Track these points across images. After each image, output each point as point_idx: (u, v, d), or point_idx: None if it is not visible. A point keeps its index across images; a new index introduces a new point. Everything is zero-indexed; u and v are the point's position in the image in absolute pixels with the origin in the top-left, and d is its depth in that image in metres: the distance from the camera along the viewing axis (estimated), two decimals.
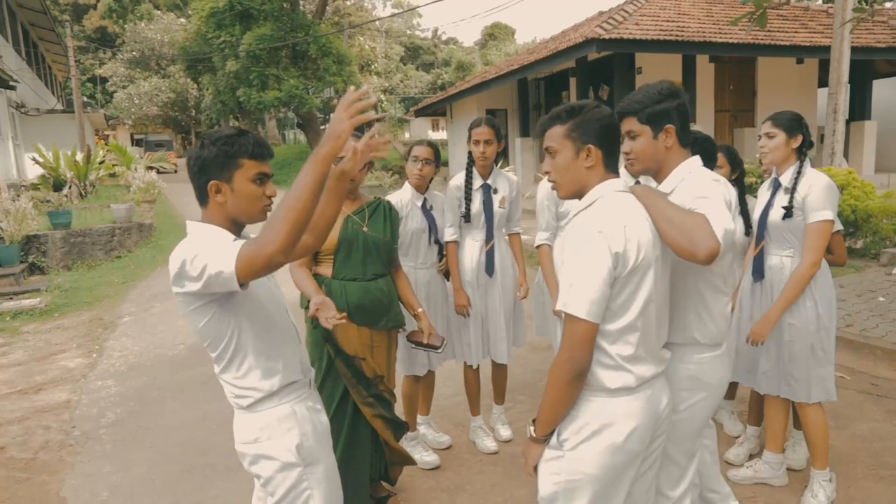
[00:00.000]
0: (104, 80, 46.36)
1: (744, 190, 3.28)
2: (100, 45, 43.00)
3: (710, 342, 1.99)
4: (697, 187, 1.86)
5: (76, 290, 8.63)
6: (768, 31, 12.56)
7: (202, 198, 1.83)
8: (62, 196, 12.12)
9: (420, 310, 3.03)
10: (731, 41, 11.83)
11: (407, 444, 3.55)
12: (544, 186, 3.31)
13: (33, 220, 9.43)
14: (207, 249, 1.63)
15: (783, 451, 3.15)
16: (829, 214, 2.70)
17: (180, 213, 14.94)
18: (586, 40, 11.31)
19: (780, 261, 2.87)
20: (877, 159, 13.65)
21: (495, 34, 55.21)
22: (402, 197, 3.42)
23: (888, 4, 14.19)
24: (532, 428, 1.81)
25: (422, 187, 3.41)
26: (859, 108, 13.30)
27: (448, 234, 3.47)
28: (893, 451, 3.43)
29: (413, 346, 3.01)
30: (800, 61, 14.18)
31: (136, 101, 42.53)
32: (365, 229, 2.82)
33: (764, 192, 2.98)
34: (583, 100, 1.85)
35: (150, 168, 15.43)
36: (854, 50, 11.66)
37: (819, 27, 13.19)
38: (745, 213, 3.18)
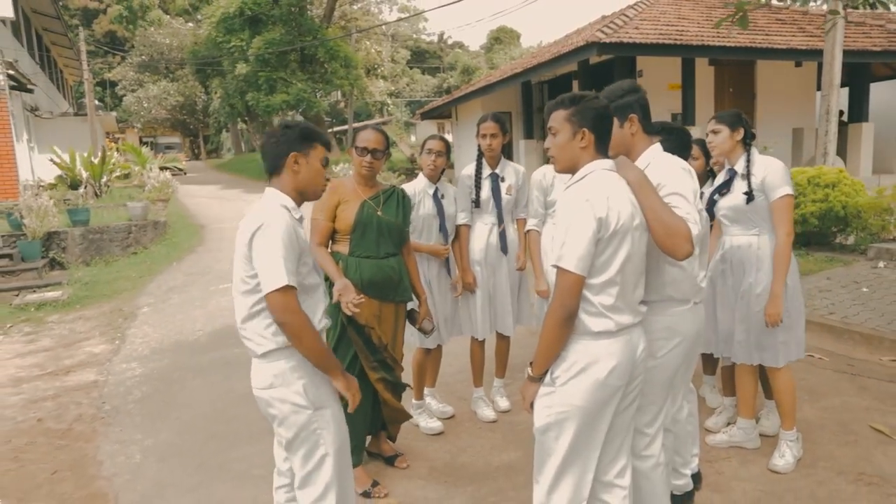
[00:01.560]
0: (113, 83, 46.95)
1: (712, 177, 3.66)
2: (109, 49, 43.55)
3: (682, 298, 2.36)
4: (673, 178, 2.22)
5: (95, 284, 9.00)
6: (766, 34, 12.86)
7: (277, 168, 2.23)
8: (78, 195, 12.50)
9: (423, 296, 3.42)
10: (729, 45, 12.12)
11: (414, 412, 3.89)
12: (534, 178, 3.73)
13: (54, 217, 9.81)
14: (272, 256, 2.07)
15: (755, 417, 3.46)
16: (789, 189, 3.06)
17: (192, 213, 15.32)
18: (587, 44, 11.62)
19: (748, 240, 3.18)
20: (874, 160, 13.90)
21: (501, 38, 55.56)
22: (416, 186, 3.78)
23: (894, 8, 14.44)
24: (529, 369, 2.13)
25: (434, 177, 3.75)
26: (857, 110, 13.56)
27: (460, 219, 3.84)
28: (860, 420, 3.73)
29: (408, 320, 3.38)
30: (798, 64, 14.46)
31: (145, 105, 43.08)
32: (379, 213, 3.18)
33: (720, 181, 3.34)
34: (584, 92, 2.19)
35: (164, 168, 15.81)
36: (850, 53, 11.96)
37: (816, 31, 13.46)
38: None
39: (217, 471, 3.59)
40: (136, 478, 3.58)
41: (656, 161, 2.30)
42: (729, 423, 3.65)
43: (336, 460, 2.23)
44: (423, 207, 3.72)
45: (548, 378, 2.10)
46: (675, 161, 2.31)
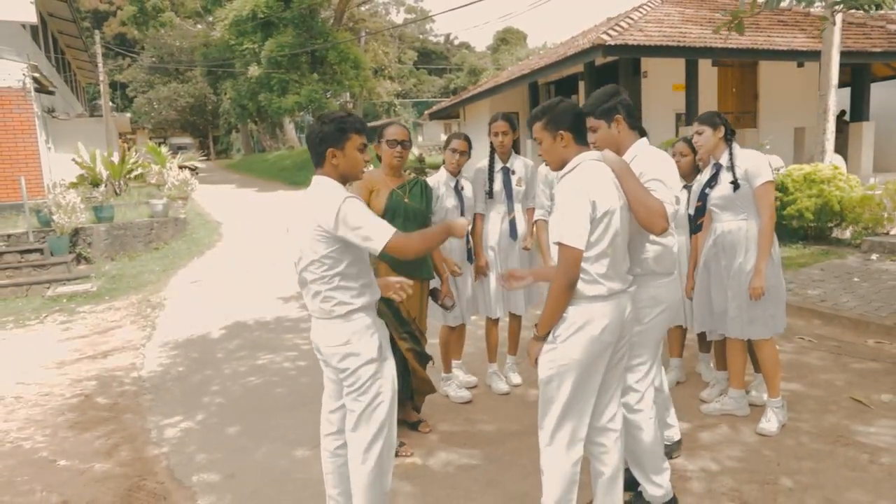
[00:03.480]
0: (124, 85, 47.53)
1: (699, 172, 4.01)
2: (120, 51, 44.12)
3: (664, 271, 2.77)
4: (654, 166, 2.61)
5: (122, 277, 9.41)
6: (768, 35, 13.17)
7: (320, 161, 2.59)
8: (99, 193, 12.93)
9: (444, 275, 3.82)
10: (731, 46, 12.43)
11: (443, 384, 4.29)
12: (540, 172, 4.15)
13: (81, 213, 10.23)
14: (367, 219, 2.43)
15: (745, 388, 3.81)
16: (769, 176, 3.45)
17: (208, 211, 15.76)
18: (593, 46, 11.97)
19: (738, 224, 3.55)
20: (875, 159, 14.18)
21: (507, 39, 55.85)
22: (438, 179, 4.17)
23: None
24: (535, 329, 2.50)
25: (455, 173, 4.13)
26: (858, 109, 13.86)
27: (476, 208, 4.24)
28: (843, 393, 4.08)
29: (430, 297, 3.77)
30: (800, 65, 14.76)
31: (156, 106, 43.65)
32: (406, 200, 3.61)
33: (706, 175, 3.74)
34: (550, 100, 2.56)
35: (183, 167, 16.27)
36: (851, 54, 12.27)
37: (817, 32, 13.76)
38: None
39: (258, 437, 3.97)
40: (184, 444, 3.96)
41: (642, 153, 2.69)
42: (721, 394, 4.01)
43: (390, 405, 2.60)
44: (446, 200, 4.09)
45: (550, 337, 2.45)
46: (658, 153, 2.70)
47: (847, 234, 8.38)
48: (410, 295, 3.53)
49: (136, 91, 45.89)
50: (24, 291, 8.78)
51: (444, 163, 4.17)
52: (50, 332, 6.99)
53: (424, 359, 3.69)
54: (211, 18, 28.69)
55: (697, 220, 3.86)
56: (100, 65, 23.00)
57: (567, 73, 16.10)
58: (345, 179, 2.63)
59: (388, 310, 3.46)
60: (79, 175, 14.12)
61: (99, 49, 23.21)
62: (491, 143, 4.24)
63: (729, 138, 3.59)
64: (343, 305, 2.54)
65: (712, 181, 3.63)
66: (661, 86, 14.16)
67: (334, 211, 2.43)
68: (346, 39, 23.92)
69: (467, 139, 4.14)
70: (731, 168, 3.51)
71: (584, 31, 17.69)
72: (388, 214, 3.50)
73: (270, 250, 10.40)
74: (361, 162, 2.61)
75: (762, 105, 15.18)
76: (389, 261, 3.43)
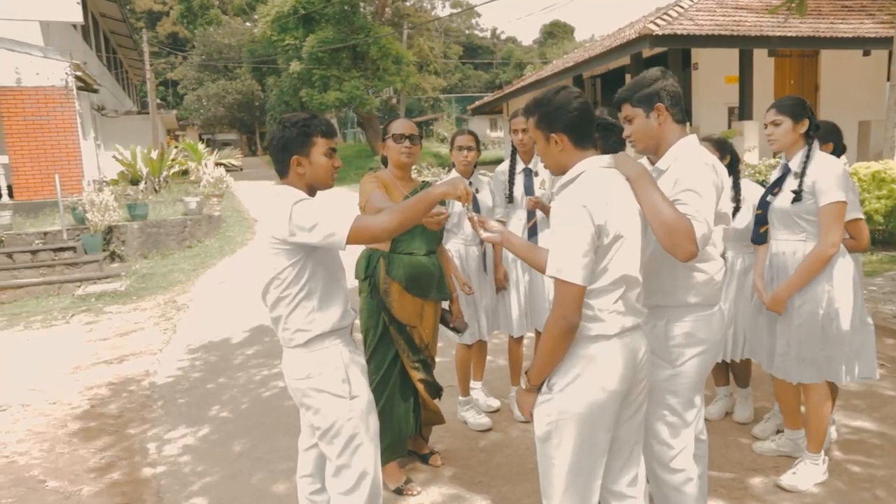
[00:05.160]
0: (175, 83, 48.64)
1: (738, 176, 3.46)
2: (172, 50, 45.11)
3: (703, 303, 2.21)
4: (689, 174, 2.06)
5: (152, 276, 9.32)
6: (831, 22, 12.30)
7: (284, 170, 2.24)
8: (138, 191, 12.99)
9: (454, 294, 3.39)
10: (790, 34, 11.64)
11: (461, 408, 3.89)
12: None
13: (114, 211, 10.21)
14: (321, 212, 2.07)
15: (801, 426, 3.23)
16: (841, 195, 2.77)
17: (245, 208, 15.71)
18: (640, 36, 11.37)
19: (793, 246, 2.95)
20: None
21: (554, 32, 55.00)
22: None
23: None
24: (524, 380, 2.06)
25: (467, 172, 3.72)
26: None
27: (496, 214, 3.80)
28: None
29: (441, 324, 3.34)
30: (866, 53, 13.78)
31: (205, 103, 44.43)
32: None
33: (773, 178, 3.12)
34: (546, 91, 2.07)
35: (220, 164, 16.28)
36: None
37: (887, 17, 12.79)
38: (736, 196, 3.43)
39: (258, 459, 3.67)
40: (181, 464, 3.68)
41: (684, 154, 2.15)
42: (778, 431, 3.49)
43: (370, 449, 2.25)
44: (457, 203, 3.69)
45: (545, 386, 2.01)
46: (701, 156, 2.14)
47: None
48: (425, 319, 3.19)
49: (186, 88, 46.83)
50: (56, 289, 8.77)
51: (452, 165, 3.77)
52: (73, 333, 6.89)
53: (435, 390, 3.29)
54: (256, 16, 28.92)
55: (760, 229, 3.21)
56: (146, 63, 23.39)
57: (613, 66, 15.45)
58: (313, 189, 2.28)
59: (400, 337, 3.08)
60: (120, 172, 14.26)
61: (146, 48, 23.58)
62: (512, 142, 3.82)
63: (811, 136, 2.94)
64: (303, 333, 2.19)
65: (776, 186, 3.03)
66: (712, 78, 13.41)
67: (286, 216, 2.09)
68: (386, 34, 23.65)
69: (473, 134, 3.74)
70: (801, 175, 2.88)
71: (632, 22, 16.98)
72: None
73: None
74: (330, 168, 2.27)
75: (823, 97, 14.25)
76: (402, 280, 3.05)
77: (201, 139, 37.51)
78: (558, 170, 2.06)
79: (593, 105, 2.07)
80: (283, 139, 2.20)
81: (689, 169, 2.08)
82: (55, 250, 9.37)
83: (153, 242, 10.69)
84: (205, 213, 11.69)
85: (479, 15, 62.39)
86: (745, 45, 11.90)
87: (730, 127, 12.81)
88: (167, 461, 3.73)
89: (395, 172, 3.21)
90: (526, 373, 2.06)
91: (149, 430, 4.21)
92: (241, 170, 29.81)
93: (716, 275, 2.21)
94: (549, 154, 2.04)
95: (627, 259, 1.94)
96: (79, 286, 8.79)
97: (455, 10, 40.82)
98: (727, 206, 2.20)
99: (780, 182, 3.03)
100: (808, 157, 2.91)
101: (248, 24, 39.00)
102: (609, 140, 2.55)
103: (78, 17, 15.86)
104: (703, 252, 2.04)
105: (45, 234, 9.73)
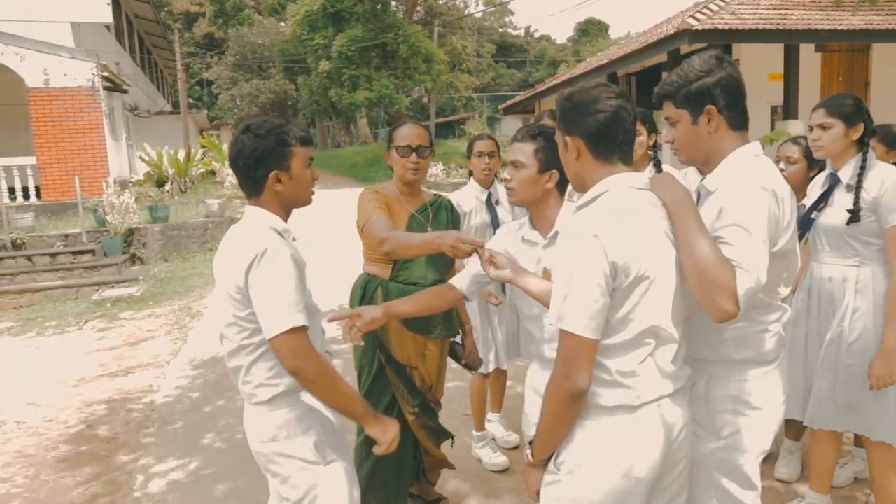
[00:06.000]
0: (210, 83, 49.18)
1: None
2: (207, 50, 45.62)
3: (754, 360, 1.72)
4: (737, 202, 1.57)
5: (170, 280, 9.14)
6: (886, 14, 11.54)
7: (257, 189, 1.88)
8: (164, 192, 12.90)
9: (468, 326, 2.97)
10: (840, 27, 10.94)
11: (475, 444, 3.51)
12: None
13: (135, 213, 10.08)
14: (275, 291, 1.75)
15: (829, 492, 2.74)
16: None
17: None
18: (678, 32, 10.82)
19: (843, 272, 2.50)
20: None
21: (588, 30, 54.12)
22: (467, 193, 3.39)
23: None
24: (528, 452, 1.67)
25: (487, 181, 3.35)
26: None
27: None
28: None
29: (449, 357, 2.93)
30: None
31: (238, 103, 44.79)
32: (429, 229, 2.69)
33: (815, 190, 2.64)
34: (580, 84, 1.68)
35: None
36: None
37: None
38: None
39: (247, 497, 3.35)
40: (166, 500, 3.39)
41: (737, 174, 1.64)
42: (856, 478, 3.01)
43: None
44: (475, 217, 3.31)
45: (551, 464, 1.62)
46: (757, 175, 1.62)
47: None
48: (428, 359, 2.74)
49: (220, 88, 47.30)
50: (74, 293, 8.65)
51: (471, 174, 3.38)
52: (84, 341, 6.70)
53: (441, 436, 2.88)
54: (287, 15, 28.98)
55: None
56: (178, 63, 23.50)
57: (649, 64, 14.85)
58: (288, 208, 1.94)
59: (398, 378, 2.69)
60: (146, 173, 14.22)
61: (178, 47, 23.69)
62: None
63: (866, 143, 2.48)
64: (267, 388, 1.84)
65: (822, 201, 2.57)
66: (754, 75, 12.71)
67: (247, 261, 1.74)
68: (415, 31, 23.35)
69: (493, 139, 3.35)
70: (857, 189, 2.43)
71: (669, 17, 16.34)
72: None
73: (321, 255, 9.91)
74: (310, 181, 1.93)
75: (874, 94, 13.44)
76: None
77: None
78: (578, 185, 1.69)
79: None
80: (256, 151, 1.82)
81: (737, 195, 1.58)
82: (74, 253, 9.26)
83: (174, 245, 10.54)
84: (227, 215, 11.51)
85: (512, 13, 61.85)
86: (790, 39, 11.25)
87: (773, 128, 12.14)
88: (151, 498, 3.44)
89: (400, 186, 2.78)
90: (530, 442, 1.67)
91: (139, 459, 3.92)
92: None
93: (774, 325, 1.72)
94: (566, 163, 1.70)
95: (658, 307, 1.52)
96: (97, 290, 8.65)
97: (488, 8, 40.37)
98: (793, 241, 1.69)
99: (826, 196, 2.56)
100: (863, 166, 2.45)
101: (281, 24, 39.18)
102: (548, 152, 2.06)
103: (107, 17, 15.92)
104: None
105: (67, 236, 9.64)
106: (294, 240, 1.95)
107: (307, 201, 1.97)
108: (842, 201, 2.49)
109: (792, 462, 3.14)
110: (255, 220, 1.88)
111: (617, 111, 1.58)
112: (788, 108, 11.76)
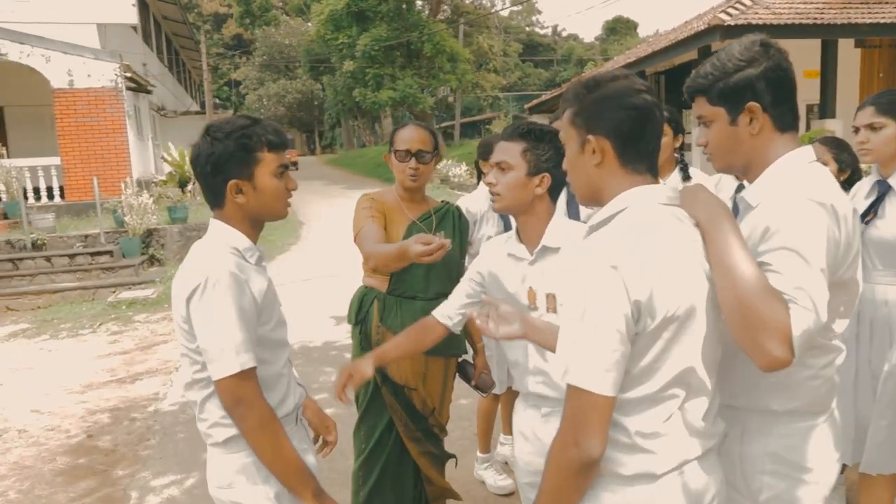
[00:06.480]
0: (238, 83, 49.69)
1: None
2: (235, 51, 46.04)
3: (800, 410, 1.41)
4: (788, 220, 1.27)
5: None
6: None
7: (217, 200, 1.65)
8: (186, 192, 12.86)
9: (480, 344, 2.71)
10: (885, 20, 10.43)
11: (479, 465, 3.28)
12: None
13: (153, 214, 10.02)
14: (219, 327, 1.53)
15: None
16: None
17: (294, 210, 15.46)
18: (709, 28, 10.43)
19: None
20: None
21: (617, 28, 53.50)
22: (477, 197, 3.14)
23: None
24: None
25: None
26: None
27: None
28: None
29: (460, 377, 2.68)
30: None
31: (265, 103, 45.16)
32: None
33: (860, 200, 2.34)
34: (597, 74, 1.40)
35: None
36: None
37: None
38: None
39: None
40: None
41: (786, 186, 1.33)
42: None
43: None
44: (487, 226, 3.06)
45: None
46: (814, 189, 1.31)
47: None
48: (430, 380, 2.50)
49: (248, 88, 47.73)
50: (91, 295, 8.60)
51: (482, 176, 3.13)
52: (97, 345, 6.61)
53: (444, 460, 2.65)
54: (312, 15, 29.06)
55: None
56: (203, 63, 23.69)
57: (678, 62, 14.43)
58: (256, 222, 1.70)
59: (395, 400, 2.45)
60: (168, 173, 14.22)
61: (203, 48, 23.84)
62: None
63: None
64: (222, 428, 1.62)
65: (871, 211, 2.30)
66: None
67: (188, 291, 1.53)
68: (440, 29, 23.14)
69: None
70: None
71: (700, 14, 15.87)
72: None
73: (340, 258, 9.75)
74: (283, 192, 1.68)
75: None
76: (398, 330, 2.43)
77: None
78: (588, 196, 1.37)
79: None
80: (212, 157, 1.59)
81: (788, 211, 1.28)
82: (93, 254, 9.23)
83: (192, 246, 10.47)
84: None
85: (539, 12, 61.34)
86: (829, 34, 10.77)
87: (809, 128, 11.66)
88: None
89: (401, 192, 2.55)
90: None
91: (137, 473, 3.77)
92: (297, 168, 29.92)
93: (826, 369, 1.40)
94: (578, 169, 1.35)
95: (689, 352, 1.23)
96: (113, 292, 8.60)
97: (514, 7, 40.02)
98: (854, 267, 1.39)
99: (875, 206, 2.28)
100: None
101: (308, 24, 39.38)
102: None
103: (133, 18, 16.01)
104: None
105: (86, 237, 9.61)
106: (260, 260, 1.72)
107: (279, 214, 1.72)
108: (894, 211, 2.21)
109: (835, 502, 2.83)
110: (214, 237, 1.66)
111: (652, 109, 1.30)
112: (825, 107, 11.28)
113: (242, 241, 1.66)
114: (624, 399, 1.21)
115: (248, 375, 1.53)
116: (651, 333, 1.19)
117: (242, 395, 1.53)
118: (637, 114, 1.28)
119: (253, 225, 1.69)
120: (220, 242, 1.64)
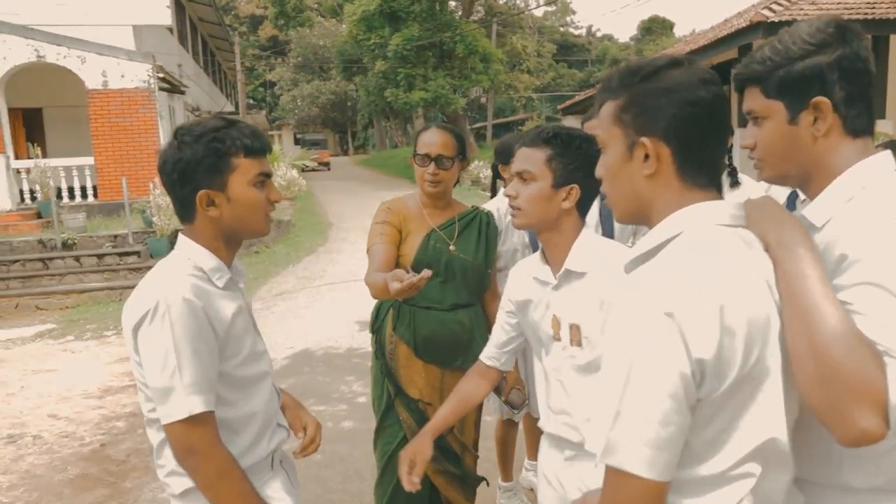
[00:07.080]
0: (273, 84, 50.23)
1: None
2: (271, 52, 46.53)
3: (883, 488, 1.08)
4: (876, 247, 0.99)
5: None
6: None
7: (187, 213, 1.45)
8: None
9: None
10: None
11: (501, 495, 3.05)
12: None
13: None
14: (173, 360, 1.32)
15: None
16: None
17: (324, 211, 15.41)
18: (751, 24, 10.01)
19: None
20: None
21: (652, 28, 52.61)
22: (502, 205, 2.91)
23: None
24: None
25: None
26: None
27: None
28: None
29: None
30: None
31: (299, 103, 45.53)
32: (451, 248, 2.31)
33: None
34: (639, 60, 1.12)
35: (296, 166, 16.07)
36: None
37: None
38: None
39: None
40: None
41: (865, 202, 1.06)
42: None
43: None
44: (513, 234, 2.84)
45: None
46: None
47: None
48: (447, 392, 2.28)
49: (282, 89, 48.22)
50: (118, 295, 8.59)
51: (499, 183, 2.91)
52: (119, 347, 6.55)
53: (468, 481, 2.42)
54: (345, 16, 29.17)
55: None
56: (237, 64, 23.92)
57: (718, 61, 13.95)
58: (233, 240, 1.49)
59: (408, 414, 2.29)
60: None
61: (237, 49, 24.05)
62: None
63: None
64: (179, 478, 1.41)
65: None
66: None
67: (136, 318, 1.34)
68: (472, 29, 22.91)
69: None
70: None
71: (740, 11, 15.34)
72: (420, 270, 2.30)
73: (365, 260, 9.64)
74: (263, 204, 1.46)
75: None
76: (410, 341, 2.26)
77: (296, 139, 38.47)
78: (631, 213, 1.10)
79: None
80: (179, 163, 1.39)
81: (873, 234, 1.01)
82: (121, 254, 9.25)
83: None
84: (273, 217, 11.38)
85: (573, 12, 60.70)
86: (879, 30, 10.23)
87: None
88: None
89: (423, 198, 2.38)
90: None
91: (147, 484, 3.64)
92: (329, 169, 30.02)
93: None
94: (622, 179, 1.07)
95: (770, 417, 0.96)
96: None
97: (548, 6, 39.59)
98: None
99: None
100: None
101: (342, 25, 39.63)
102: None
103: (167, 20, 16.16)
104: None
105: (115, 237, 9.65)
106: (233, 283, 1.51)
107: (258, 230, 1.49)
108: None
109: None
110: (178, 254, 1.47)
111: (721, 105, 1.04)
112: (876, 107, 10.75)
113: (209, 260, 1.45)
114: (681, 479, 0.95)
115: (200, 421, 1.32)
116: (719, 399, 0.93)
117: (193, 443, 1.33)
118: (704, 112, 1.02)
119: (228, 242, 1.49)
120: (182, 261, 1.44)
